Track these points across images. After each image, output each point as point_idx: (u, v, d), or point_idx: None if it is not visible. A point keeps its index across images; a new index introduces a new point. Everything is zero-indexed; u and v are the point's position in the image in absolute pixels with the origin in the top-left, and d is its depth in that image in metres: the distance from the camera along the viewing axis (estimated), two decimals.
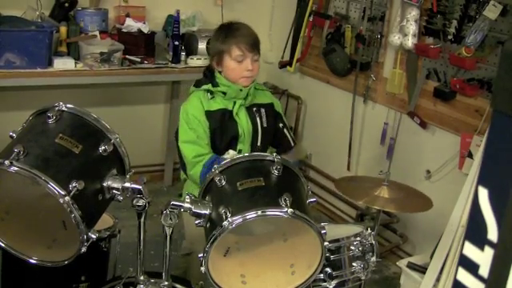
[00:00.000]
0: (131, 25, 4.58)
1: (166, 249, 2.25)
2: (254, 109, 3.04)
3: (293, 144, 3.17)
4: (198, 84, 3.04)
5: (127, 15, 4.67)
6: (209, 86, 2.97)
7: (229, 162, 2.18)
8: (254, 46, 2.94)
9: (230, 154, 2.93)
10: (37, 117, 2.14)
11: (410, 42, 3.83)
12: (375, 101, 4.40)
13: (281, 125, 3.15)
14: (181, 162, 2.99)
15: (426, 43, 3.83)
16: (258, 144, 3.02)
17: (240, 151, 2.96)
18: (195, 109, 2.93)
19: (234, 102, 2.97)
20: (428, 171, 3.96)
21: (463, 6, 3.54)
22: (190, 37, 4.77)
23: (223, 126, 2.94)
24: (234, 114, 2.96)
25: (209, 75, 3.03)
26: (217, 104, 2.96)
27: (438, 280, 3.15)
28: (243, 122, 2.98)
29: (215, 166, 2.19)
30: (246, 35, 2.95)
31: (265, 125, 3.05)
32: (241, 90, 2.95)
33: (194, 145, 2.88)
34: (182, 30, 4.73)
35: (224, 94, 2.95)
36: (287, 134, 3.17)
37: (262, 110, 3.06)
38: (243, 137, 2.97)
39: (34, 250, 2.14)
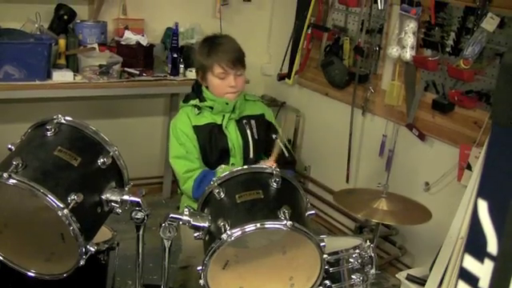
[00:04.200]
0: (130, 37, 4.60)
1: (164, 261, 2.24)
2: (244, 121, 3.02)
3: (287, 154, 3.13)
4: (186, 99, 3.04)
5: (126, 28, 4.68)
6: (196, 101, 2.97)
7: (228, 175, 2.18)
8: (236, 62, 2.92)
9: (222, 169, 2.92)
10: (35, 129, 2.14)
11: (408, 54, 3.83)
12: (374, 113, 4.41)
13: (274, 136, 3.12)
14: (174, 178, 2.99)
15: (424, 55, 3.84)
16: (251, 156, 3.00)
17: (233, 165, 2.95)
18: (183, 124, 2.93)
19: (223, 116, 2.97)
20: (427, 183, 3.96)
21: (461, 18, 3.55)
22: (189, 49, 4.77)
23: (212, 140, 2.93)
24: (224, 127, 2.96)
25: (196, 90, 3.03)
26: (205, 118, 2.95)
27: None
28: (233, 135, 2.97)
29: (214, 178, 2.19)
30: (228, 52, 2.93)
31: (256, 137, 3.03)
32: (227, 103, 2.94)
33: (185, 160, 2.89)
34: (181, 43, 4.74)
35: (211, 108, 2.95)
36: (280, 145, 3.12)
37: (253, 122, 3.05)
38: (234, 150, 2.96)
39: (33, 262, 2.13)
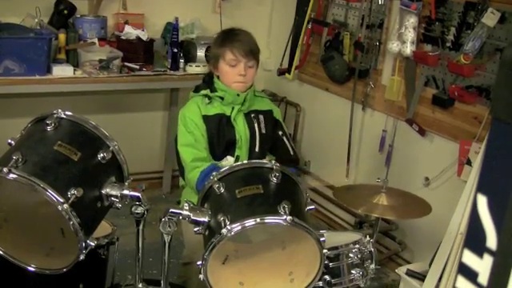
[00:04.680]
0: (130, 32, 4.59)
1: (164, 256, 2.25)
2: (253, 115, 3.05)
3: (292, 153, 3.17)
4: (196, 89, 3.08)
5: (126, 22, 4.67)
6: (207, 91, 3.00)
7: (228, 170, 2.18)
8: (248, 52, 2.95)
9: (228, 161, 2.95)
10: (35, 124, 2.14)
11: (408, 49, 3.83)
12: (374, 108, 4.41)
13: (280, 132, 3.15)
14: (179, 167, 3.00)
15: (424, 50, 3.84)
16: (256, 150, 3.03)
17: (238, 157, 2.98)
18: (192, 113, 2.96)
19: (233, 108, 2.99)
20: (426, 178, 3.96)
21: (461, 13, 3.55)
22: (189, 44, 4.77)
23: (220, 130, 2.96)
24: (232, 119, 2.99)
25: (208, 80, 3.06)
26: (214, 109, 2.99)
27: (436, 287, 3.15)
28: (240, 127, 3.00)
29: (214, 173, 2.19)
30: (242, 41, 2.97)
31: (263, 131, 3.06)
32: (238, 95, 2.97)
33: (193, 148, 2.91)
34: (181, 38, 4.74)
35: (221, 98, 2.97)
36: (286, 142, 3.16)
37: (261, 117, 3.08)
38: (240, 142, 2.98)
39: (33, 257, 2.13)
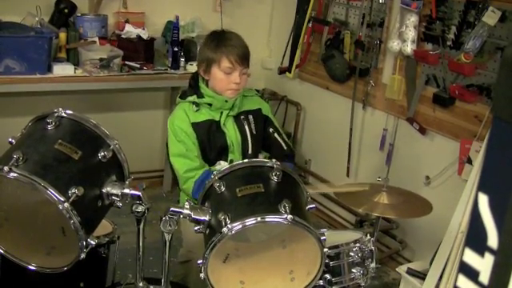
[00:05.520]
0: (130, 31, 4.59)
1: (165, 255, 2.24)
2: (242, 117, 2.98)
3: (285, 148, 3.10)
4: (183, 95, 2.99)
5: (126, 21, 4.68)
6: (194, 98, 2.91)
7: (228, 169, 2.18)
8: (244, 58, 2.87)
9: (221, 165, 2.90)
10: (36, 123, 2.14)
11: (409, 48, 3.83)
12: (374, 107, 4.41)
13: (270, 129, 3.07)
14: (173, 176, 2.98)
15: (425, 49, 3.83)
16: (249, 152, 2.97)
17: (231, 161, 2.92)
18: (181, 121, 2.89)
19: (221, 112, 2.93)
20: (427, 177, 3.96)
21: (462, 12, 3.54)
22: (189, 43, 4.77)
23: (211, 137, 2.89)
24: (222, 124, 2.92)
25: (193, 85, 2.97)
26: (203, 115, 2.91)
27: (437, 286, 3.15)
28: (231, 132, 2.93)
29: (214, 172, 2.19)
30: (238, 47, 2.88)
31: (254, 132, 2.99)
32: (226, 101, 2.90)
33: (185, 158, 2.85)
34: (181, 36, 4.74)
35: (209, 105, 2.91)
36: (278, 138, 3.08)
37: (250, 117, 3.01)
38: (232, 147, 2.92)
39: (33, 256, 2.13)
